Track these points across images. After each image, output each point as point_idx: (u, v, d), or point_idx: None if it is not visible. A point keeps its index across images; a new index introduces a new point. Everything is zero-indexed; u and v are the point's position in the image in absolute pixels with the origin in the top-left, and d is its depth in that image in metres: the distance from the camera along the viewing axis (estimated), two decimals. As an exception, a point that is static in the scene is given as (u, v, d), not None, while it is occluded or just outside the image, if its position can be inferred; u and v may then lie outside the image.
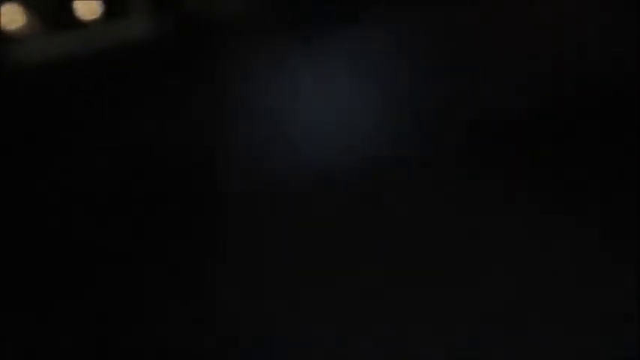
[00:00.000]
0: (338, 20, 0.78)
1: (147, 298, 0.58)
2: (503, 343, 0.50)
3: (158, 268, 0.60)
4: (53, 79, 0.73)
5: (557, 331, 0.50)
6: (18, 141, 0.69)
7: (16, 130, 0.70)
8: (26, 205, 0.65)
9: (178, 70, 0.76)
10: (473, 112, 0.68)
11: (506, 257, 0.59)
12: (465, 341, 0.51)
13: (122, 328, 0.56)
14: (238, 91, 0.75)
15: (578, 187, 0.63)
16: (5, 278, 0.59)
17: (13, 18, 0.74)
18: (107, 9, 0.74)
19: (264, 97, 0.74)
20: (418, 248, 0.60)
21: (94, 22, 0.75)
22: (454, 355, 0.51)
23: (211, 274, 0.60)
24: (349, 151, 0.69)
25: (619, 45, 0.70)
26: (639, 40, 0.68)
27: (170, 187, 0.66)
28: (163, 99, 0.73)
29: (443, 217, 0.62)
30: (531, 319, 0.51)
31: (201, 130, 0.71)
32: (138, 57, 0.75)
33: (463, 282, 0.56)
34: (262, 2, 0.79)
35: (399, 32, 0.78)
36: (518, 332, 0.50)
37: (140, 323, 0.57)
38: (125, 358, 0.55)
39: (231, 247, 0.62)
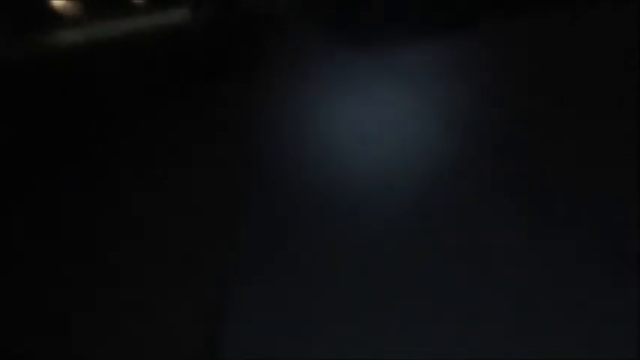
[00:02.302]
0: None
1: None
2: (504, 342, 0.50)
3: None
4: (104, 62, 0.77)
5: (558, 331, 0.51)
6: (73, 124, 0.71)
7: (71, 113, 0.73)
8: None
9: (219, 58, 0.78)
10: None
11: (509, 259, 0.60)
12: (469, 339, 0.51)
13: None
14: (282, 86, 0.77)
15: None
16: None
17: (66, 4, 0.78)
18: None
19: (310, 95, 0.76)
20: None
21: (141, 8, 0.79)
22: (456, 351, 0.51)
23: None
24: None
25: None
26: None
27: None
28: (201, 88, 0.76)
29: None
30: (532, 319, 0.52)
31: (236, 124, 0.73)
32: (182, 44, 0.77)
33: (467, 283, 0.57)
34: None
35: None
36: (519, 332, 0.51)
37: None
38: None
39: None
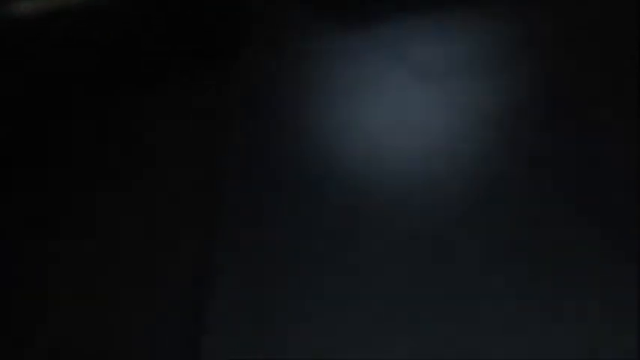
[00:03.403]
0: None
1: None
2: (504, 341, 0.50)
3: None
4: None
5: (557, 331, 0.50)
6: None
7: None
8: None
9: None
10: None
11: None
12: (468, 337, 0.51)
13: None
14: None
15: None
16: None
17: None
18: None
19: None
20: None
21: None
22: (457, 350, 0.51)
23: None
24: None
25: None
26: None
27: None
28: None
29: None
30: (531, 319, 0.51)
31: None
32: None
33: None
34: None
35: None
36: (519, 332, 0.51)
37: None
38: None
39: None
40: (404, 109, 0.72)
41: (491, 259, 0.57)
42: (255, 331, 0.52)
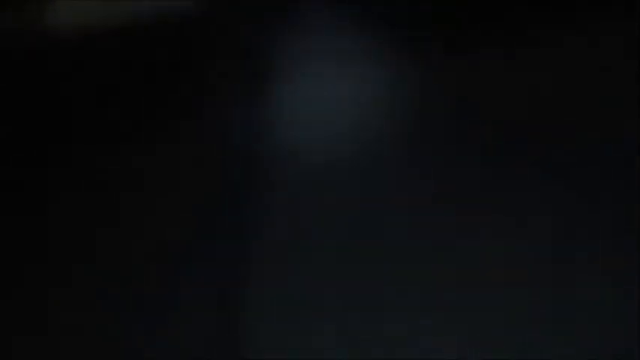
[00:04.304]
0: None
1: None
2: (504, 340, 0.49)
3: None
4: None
5: (558, 331, 0.50)
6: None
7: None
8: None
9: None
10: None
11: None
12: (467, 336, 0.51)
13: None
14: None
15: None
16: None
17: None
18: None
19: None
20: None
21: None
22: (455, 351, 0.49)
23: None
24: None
25: None
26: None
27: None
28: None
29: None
30: (531, 318, 0.51)
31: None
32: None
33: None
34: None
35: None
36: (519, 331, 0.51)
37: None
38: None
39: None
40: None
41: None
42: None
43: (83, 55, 0.80)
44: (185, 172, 0.70)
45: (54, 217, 0.64)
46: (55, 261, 0.60)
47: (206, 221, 0.62)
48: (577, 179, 0.63)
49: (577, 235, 0.58)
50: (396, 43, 0.84)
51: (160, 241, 0.61)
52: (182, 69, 0.81)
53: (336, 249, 0.58)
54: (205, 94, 0.78)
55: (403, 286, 0.53)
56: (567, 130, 0.69)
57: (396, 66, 0.80)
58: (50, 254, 0.60)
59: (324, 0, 0.87)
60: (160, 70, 0.80)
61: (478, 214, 0.61)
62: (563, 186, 0.63)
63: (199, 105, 0.78)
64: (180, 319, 0.52)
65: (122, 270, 0.58)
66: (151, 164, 0.70)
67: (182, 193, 0.66)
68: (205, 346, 0.49)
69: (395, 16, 0.86)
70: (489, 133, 0.70)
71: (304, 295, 0.53)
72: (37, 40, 0.80)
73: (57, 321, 0.53)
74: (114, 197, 0.66)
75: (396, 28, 0.85)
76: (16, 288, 0.57)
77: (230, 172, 0.67)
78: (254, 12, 0.84)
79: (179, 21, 0.84)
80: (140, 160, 0.71)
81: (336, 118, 0.75)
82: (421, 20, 0.85)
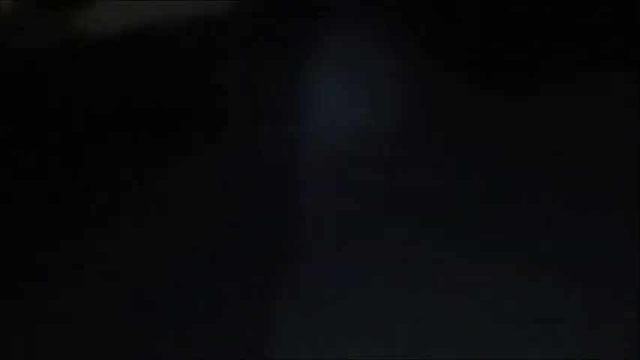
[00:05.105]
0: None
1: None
2: (504, 340, 0.49)
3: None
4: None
5: (557, 330, 0.50)
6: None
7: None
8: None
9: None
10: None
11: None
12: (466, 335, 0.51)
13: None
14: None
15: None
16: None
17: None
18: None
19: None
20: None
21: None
22: (450, 345, 0.50)
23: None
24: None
25: None
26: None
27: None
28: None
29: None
30: (531, 319, 0.51)
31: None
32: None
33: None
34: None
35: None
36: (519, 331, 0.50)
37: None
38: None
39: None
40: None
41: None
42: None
43: (113, 60, 0.80)
44: (210, 174, 0.69)
45: (75, 217, 0.64)
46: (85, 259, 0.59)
47: (232, 220, 0.62)
48: (577, 179, 0.63)
49: (577, 235, 0.58)
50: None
51: (184, 241, 0.60)
52: (208, 77, 0.81)
53: (364, 253, 0.58)
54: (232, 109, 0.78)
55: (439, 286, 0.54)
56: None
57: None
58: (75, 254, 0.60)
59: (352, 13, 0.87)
60: (188, 76, 0.81)
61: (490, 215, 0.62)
62: (563, 186, 0.63)
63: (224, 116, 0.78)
64: (203, 320, 0.52)
65: (146, 271, 0.58)
66: (175, 166, 0.70)
67: (208, 194, 0.66)
68: (229, 347, 0.49)
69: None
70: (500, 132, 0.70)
71: (333, 296, 0.53)
72: (69, 43, 0.80)
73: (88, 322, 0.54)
74: (136, 196, 0.66)
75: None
76: (29, 289, 0.57)
77: (257, 171, 0.67)
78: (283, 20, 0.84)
79: (208, 28, 0.85)
80: (165, 163, 0.71)
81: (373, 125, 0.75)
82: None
